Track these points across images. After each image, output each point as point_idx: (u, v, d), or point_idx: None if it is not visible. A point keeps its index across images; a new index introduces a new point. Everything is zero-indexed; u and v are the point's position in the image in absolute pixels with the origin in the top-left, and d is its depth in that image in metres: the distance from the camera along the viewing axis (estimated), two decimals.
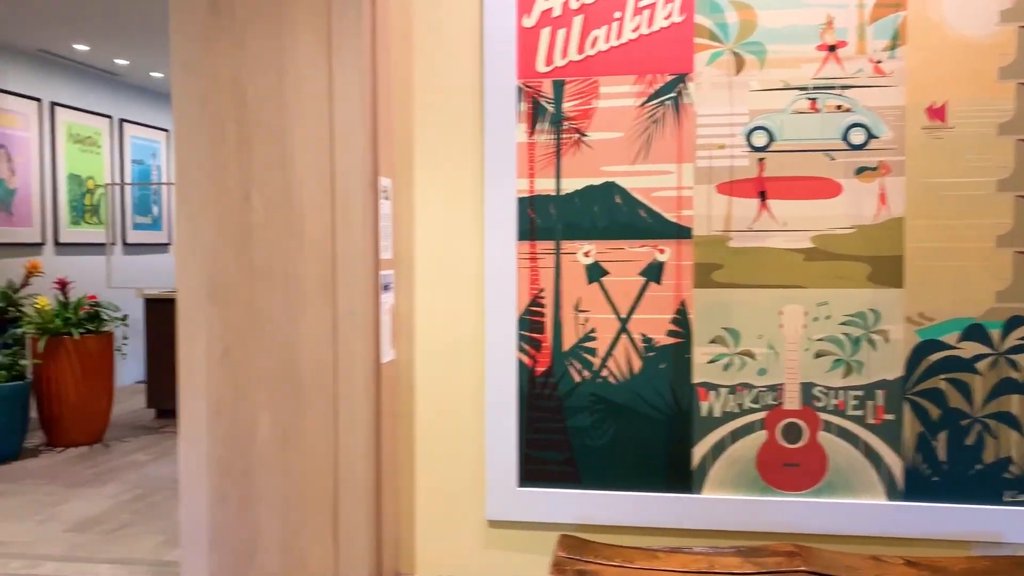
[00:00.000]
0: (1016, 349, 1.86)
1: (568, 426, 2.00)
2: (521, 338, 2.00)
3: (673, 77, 1.93)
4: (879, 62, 1.87)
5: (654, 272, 1.95)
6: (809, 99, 1.89)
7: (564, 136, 1.97)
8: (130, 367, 8.17)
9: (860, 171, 1.88)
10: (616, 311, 1.97)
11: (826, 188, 1.89)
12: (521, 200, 1.99)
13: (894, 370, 1.89)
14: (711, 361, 1.94)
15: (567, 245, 1.98)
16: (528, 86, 1.98)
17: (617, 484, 1.98)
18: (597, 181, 1.96)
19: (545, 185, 1.98)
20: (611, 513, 1.98)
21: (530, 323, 2.00)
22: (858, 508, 1.91)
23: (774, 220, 1.91)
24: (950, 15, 1.85)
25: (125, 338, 6.68)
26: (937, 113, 1.86)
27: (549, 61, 1.97)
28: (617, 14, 1.94)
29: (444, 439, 2.08)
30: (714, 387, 1.94)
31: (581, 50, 1.96)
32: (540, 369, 2.00)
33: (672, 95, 1.93)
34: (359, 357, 1.90)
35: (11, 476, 5.11)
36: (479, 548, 2.07)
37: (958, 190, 1.85)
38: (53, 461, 5.48)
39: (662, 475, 1.97)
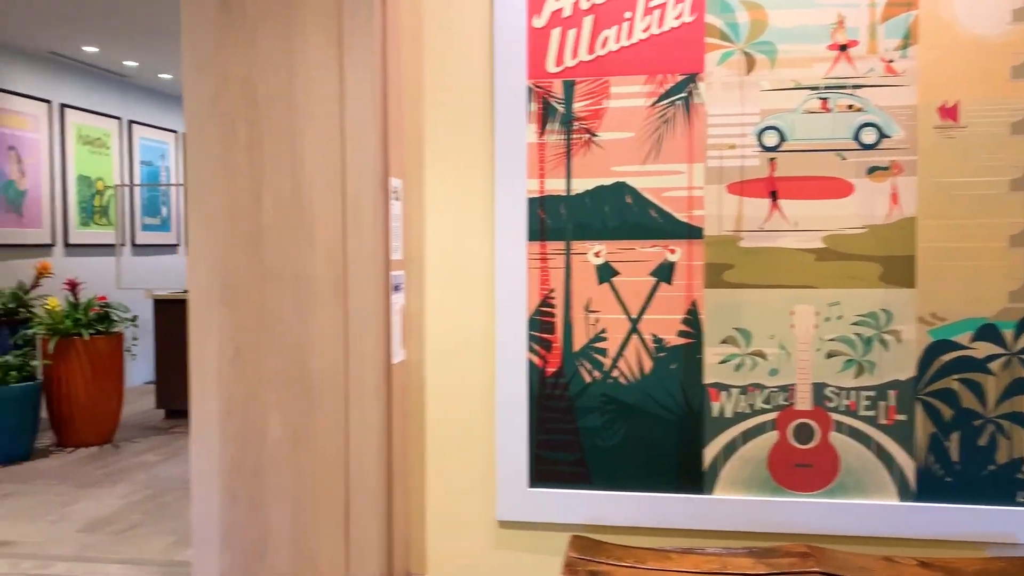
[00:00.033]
0: None
1: (579, 426, 2.00)
2: (531, 338, 2.00)
3: (684, 77, 1.92)
4: (891, 61, 1.86)
5: (665, 272, 1.95)
6: (820, 99, 1.89)
7: (574, 136, 1.97)
8: (139, 368, 8.19)
9: (872, 171, 1.88)
10: (627, 311, 1.97)
11: (838, 188, 1.89)
12: (531, 200, 1.99)
13: (906, 370, 1.88)
14: (722, 361, 1.94)
15: (577, 245, 1.98)
16: (538, 86, 1.98)
17: (628, 485, 1.98)
18: (608, 181, 1.96)
19: (555, 185, 1.98)
20: (622, 514, 1.98)
21: (540, 323, 2.00)
22: (870, 509, 1.90)
23: (785, 220, 1.90)
24: (962, 14, 1.84)
25: (135, 339, 6.70)
26: (949, 112, 1.85)
27: (559, 61, 1.97)
28: (627, 14, 1.94)
29: (454, 439, 2.08)
30: (725, 387, 1.94)
31: (591, 50, 1.96)
32: (551, 369, 2.00)
33: (683, 95, 1.93)
34: (370, 357, 1.90)
35: (22, 476, 5.13)
36: (490, 548, 2.07)
37: (971, 189, 1.85)
38: (64, 461, 5.50)
39: (673, 476, 1.97)
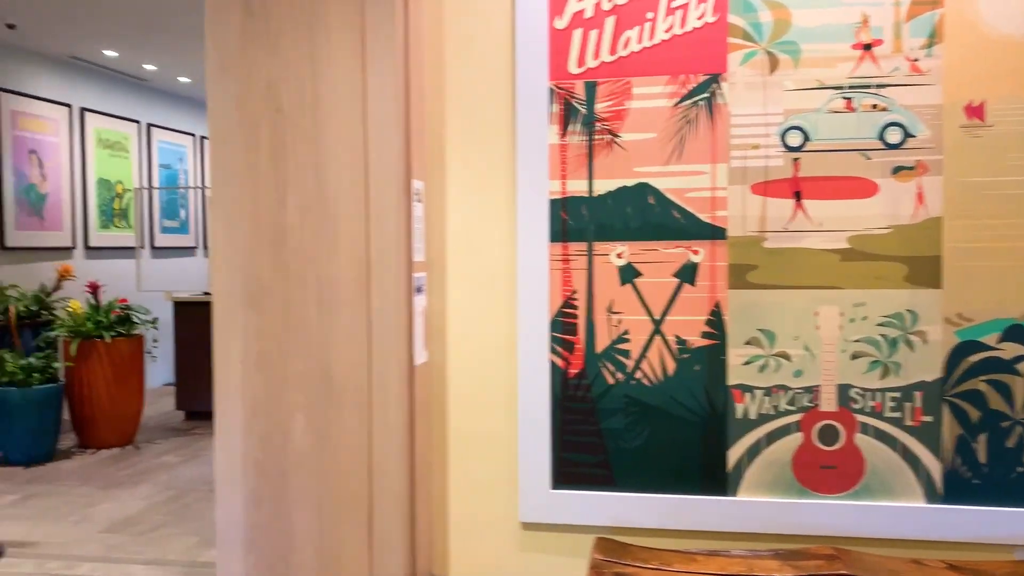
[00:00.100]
0: None
1: (602, 428, 1.99)
2: (554, 340, 2.00)
3: (707, 77, 1.92)
4: (916, 60, 1.85)
5: (688, 273, 1.94)
6: (844, 98, 1.87)
7: (596, 137, 1.97)
8: (159, 369, 8.25)
9: (897, 170, 1.86)
10: (650, 313, 1.96)
11: (862, 188, 1.87)
12: (553, 202, 1.99)
13: (932, 371, 1.87)
14: (746, 363, 1.93)
15: (600, 246, 1.97)
16: (560, 87, 1.98)
17: (652, 486, 1.98)
18: (630, 182, 1.96)
19: (577, 186, 1.98)
20: (646, 516, 1.98)
21: (563, 325, 2.00)
22: (896, 511, 1.89)
23: (809, 220, 1.89)
24: (987, 13, 1.83)
25: (155, 341, 6.75)
26: (975, 111, 1.84)
27: (581, 62, 1.97)
28: (649, 15, 1.93)
29: (477, 441, 2.08)
30: (749, 389, 1.93)
31: (613, 51, 1.95)
32: (573, 371, 2.00)
33: (705, 95, 1.92)
34: (392, 359, 1.90)
35: (46, 477, 5.18)
36: (513, 550, 2.07)
37: (997, 189, 1.83)
38: (86, 463, 5.55)
39: (697, 477, 1.96)
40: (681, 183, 1.94)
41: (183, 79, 8.21)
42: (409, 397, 1.93)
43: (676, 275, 1.95)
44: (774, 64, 1.89)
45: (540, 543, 2.05)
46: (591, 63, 1.96)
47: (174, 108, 9.07)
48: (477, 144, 2.04)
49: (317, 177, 1.90)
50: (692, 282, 1.94)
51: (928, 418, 1.87)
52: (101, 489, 4.92)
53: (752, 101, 1.90)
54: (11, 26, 6.22)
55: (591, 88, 1.96)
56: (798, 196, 1.90)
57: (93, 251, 7.77)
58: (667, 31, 1.93)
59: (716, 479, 1.95)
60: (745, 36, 1.90)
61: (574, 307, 1.99)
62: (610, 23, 1.95)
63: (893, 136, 1.86)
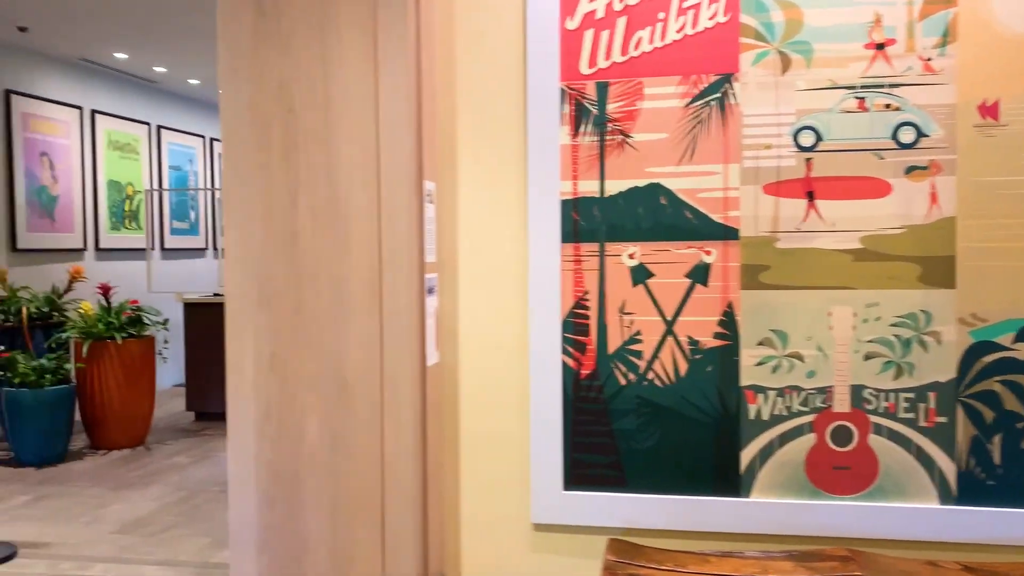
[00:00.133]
0: None
1: (614, 429, 1.99)
2: (565, 340, 2.00)
3: (718, 77, 1.91)
4: (929, 60, 1.84)
5: (700, 274, 1.94)
6: (857, 98, 1.87)
7: (608, 138, 1.97)
8: (169, 371, 8.27)
9: (910, 170, 1.86)
10: (662, 313, 1.96)
11: (875, 188, 1.87)
12: (565, 202, 1.99)
13: (946, 372, 1.86)
14: (759, 363, 1.92)
15: (611, 247, 1.97)
16: (571, 88, 1.98)
17: (664, 488, 1.97)
18: (642, 182, 1.95)
19: (589, 187, 1.98)
20: (658, 517, 1.97)
21: (574, 326, 2.00)
22: (910, 512, 1.88)
23: (822, 220, 1.89)
24: (1001, 12, 1.82)
25: (166, 342, 6.77)
26: (989, 111, 1.83)
27: (592, 63, 1.97)
28: (661, 15, 1.93)
29: (489, 442, 2.08)
30: (762, 390, 1.93)
31: (625, 51, 1.95)
32: (585, 372, 2.00)
33: (717, 95, 1.92)
34: (405, 360, 1.90)
35: (58, 478, 5.20)
36: (525, 551, 2.07)
37: (1012, 188, 1.82)
38: (97, 463, 5.57)
39: (710, 479, 1.95)
40: (693, 183, 1.93)
41: (193, 81, 8.24)
42: (421, 398, 1.93)
43: (688, 276, 1.94)
44: (786, 64, 1.89)
45: (552, 544, 2.05)
46: (602, 64, 1.96)
47: (184, 110, 9.10)
48: (488, 145, 2.04)
49: (329, 178, 1.91)
50: (704, 283, 1.94)
51: (942, 419, 1.87)
52: (112, 490, 4.93)
53: (764, 101, 1.90)
54: (23, 29, 6.26)
55: (602, 89, 1.96)
56: (811, 196, 1.89)
57: (104, 252, 7.80)
58: (679, 31, 1.93)
59: (729, 480, 1.95)
60: (757, 36, 1.90)
61: (586, 308, 1.99)
62: (621, 23, 1.95)
63: (906, 136, 1.85)
